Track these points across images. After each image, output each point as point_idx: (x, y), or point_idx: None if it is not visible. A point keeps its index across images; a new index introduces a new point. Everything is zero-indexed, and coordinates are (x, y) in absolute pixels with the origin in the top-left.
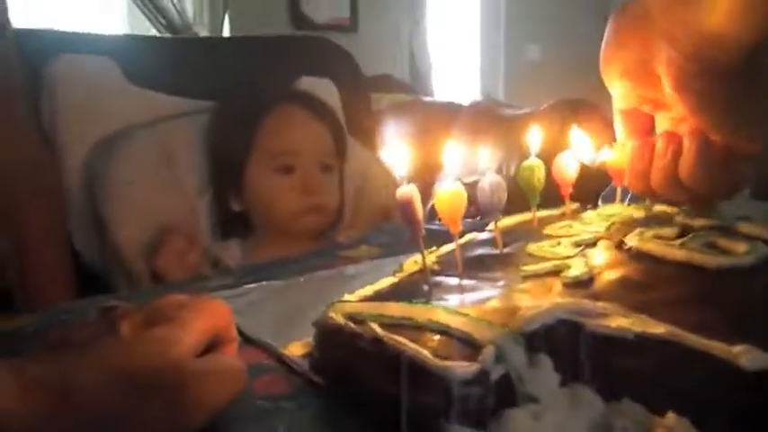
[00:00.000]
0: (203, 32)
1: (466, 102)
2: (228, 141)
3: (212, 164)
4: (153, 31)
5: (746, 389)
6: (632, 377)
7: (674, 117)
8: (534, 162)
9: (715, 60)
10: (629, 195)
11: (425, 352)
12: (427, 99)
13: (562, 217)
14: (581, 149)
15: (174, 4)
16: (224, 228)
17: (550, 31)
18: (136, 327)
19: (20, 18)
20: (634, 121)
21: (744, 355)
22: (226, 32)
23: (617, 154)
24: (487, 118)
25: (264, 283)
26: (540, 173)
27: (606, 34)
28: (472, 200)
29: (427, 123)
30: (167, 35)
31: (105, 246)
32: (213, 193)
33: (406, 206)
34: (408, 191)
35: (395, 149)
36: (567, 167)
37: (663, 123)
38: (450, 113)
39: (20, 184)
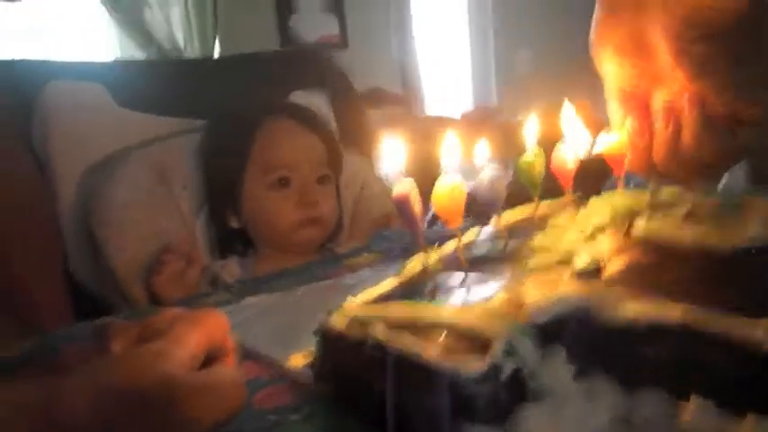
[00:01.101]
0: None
1: (458, 115)
2: (222, 159)
3: (207, 182)
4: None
5: None
6: (651, 364)
7: (671, 92)
8: (533, 154)
9: (712, 22)
10: (632, 184)
11: (433, 352)
12: (419, 113)
13: (565, 207)
14: (576, 142)
15: (163, 31)
16: (222, 245)
17: (540, 37)
18: (128, 343)
19: (11, 49)
20: (630, 100)
21: (766, 334)
22: (216, 55)
23: (618, 135)
24: (482, 127)
25: (263, 296)
26: (539, 164)
27: (596, 12)
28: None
29: (420, 137)
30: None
31: (102, 269)
32: (210, 210)
33: (403, 202)
34: (405, 186)
35: (388, 146)
36: (566, 158)
37: (659, 101)
38: (443, 126)
39: (12, 211)
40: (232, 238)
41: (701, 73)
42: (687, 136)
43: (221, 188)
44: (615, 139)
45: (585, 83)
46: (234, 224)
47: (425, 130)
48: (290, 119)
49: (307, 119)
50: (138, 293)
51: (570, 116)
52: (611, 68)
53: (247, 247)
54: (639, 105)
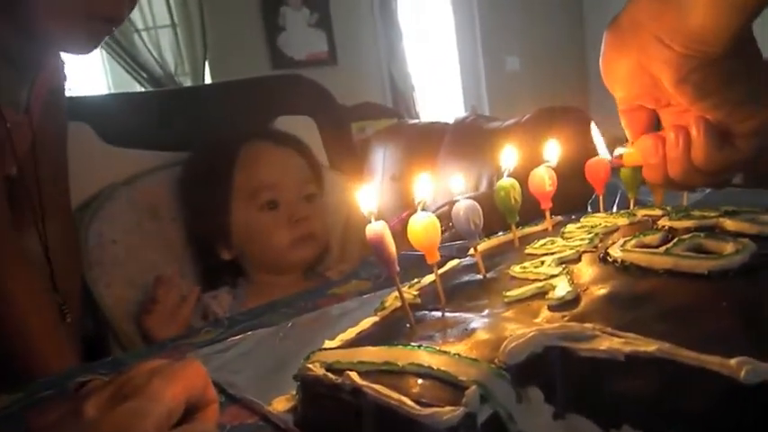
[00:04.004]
0: (186, 82)
1: (451, 120)
2: (207, 190)
3: (193, 215)
4: (136, 86)
5: (747, 403)
6: (629, 401)
7: (677, 110)
8: (509, 181)
9: (706, 54)
10: (616, 202)
11: (408, 400)
12: (412, 122)
13: (544, 233)
14: (600, 147)
15: (153, 57)
16: (213, 276)
17: (527, 42)
18: (102, 404)
19: None
20: (638, 120)
21: (742, 367)
22: (208, 78)
23: (632, 150)
24: (474, 134)
25: (250, 333)
26: (515, 192)
27: (603, 46)
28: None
29: (415, 146)
30: (150, 89)
31: (93, 307)
32: (199, 244)
33: (377, 244)
34: (378, 228)
35: (363, 187)
36: (544, 181)
37: (666, 117)
38: (436, 133)
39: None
40: (222, 270)
41: (699, 96)
42: (697, 152)
43: (209, 220)
44: (629, 152)
45: (571, 86)
46: (225, 256)
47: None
48: (269, 141)
49: (285, 140)
50: (128, 331)
51: (597, 136)
52: (621, 93)
53: (237, 278)
54: (646, 125)
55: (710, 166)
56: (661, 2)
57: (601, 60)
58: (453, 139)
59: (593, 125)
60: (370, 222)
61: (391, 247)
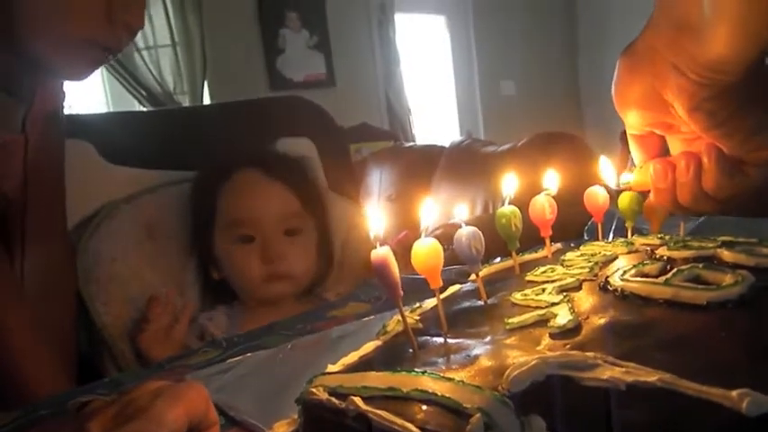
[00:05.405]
0: (185, 101)
1: (447, 143)
2: (197, 212)
3: (192, 233)
4: (135, 103)
5: None
6: (631, 430)
7: (687, 137)
8: (510, 209)
9: (720, 82)
10: (612, 229)
11: (412, 426)
12: (408, 144)
13: (544, 260)
14: (606, 175)
15: (153, 76)
16: (210, 294)
17: (522, 67)
18: (106, 425)
19: None
20: (648, 145)
21: (743, 399)
22: (206, 98)
23: (640, 175)
24: (469, 157)
25: (249, 354)
26: (516, 219)
27: (617, 70)
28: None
29: (411, 169)
30: (149, 107)
31: (89, 326)
32: (197, 261)
33: (382, 269)
34: (382, 253)
35: (370, 210)
36: (544, 209)
37: (675, 144)
38: (432, 156)
39: None
40: (218, 288)
41: (712, 125)
42: (708, 179)
43: (200, 240)
44: (640, 176)
45: (565, 111)
46: (215, 276)
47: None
48: (260, 171)
49: (277, 170)
50: (124, 349)
51: (607, 167)
52: (632, 119)
53: (232, 297)
54: (655, 150)
55: (721, 193)
56: (677, 30)
57: (614, 85)
58: (449, 163)
59: (602, 158)
60: (375, 247)
61: (395, 271)
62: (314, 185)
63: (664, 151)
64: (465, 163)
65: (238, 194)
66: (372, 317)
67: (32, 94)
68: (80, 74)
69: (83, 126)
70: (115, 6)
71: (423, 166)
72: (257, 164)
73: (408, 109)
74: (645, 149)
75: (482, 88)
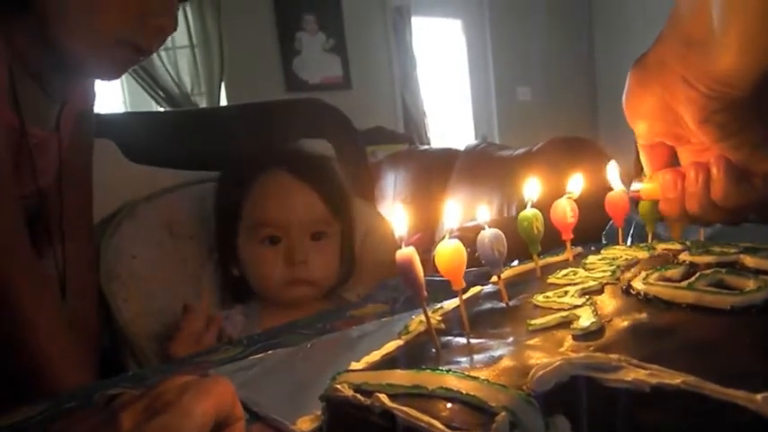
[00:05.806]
0: (202, 102)
1: (462, 147)
2: (221, 210)
3: (215, 232)
4: (152, 104)
5: None
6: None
7: (696, 148)
8: (532, 212)
9: (730, 96)
10: (631, 233)
11: (438, 423)
12: (423, 147)
13: (565, 263)
14: (613, 180)
15: (171, 77)
16: (227, 292)
17: (538, 73)
18: (136, 417)
19: None
20: (658, 155)
21: (766, 401)
22: (223, 100)
23: (650, 184)
24: (485, 161)
25: (271, 352)
26: (538, 222)
27: (628, 82)
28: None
29: (425, 171)
30: (166, 107)
31: (110, 323)
32: (217, 257)
33: (407, 269)
34: (408, 253)
35: (393, 210)
36: (566, 213)
37: (685, 154)
38: (447, 159)
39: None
40: (236, 285)
41: (721, 136)
42: (716, 189)
43: (222, 238)
44: (651, 186)
45: (581, 118)
46: (235, 272)
47: (430, 162)
48: (287, 173)
49: (305, 173)
50: (144, 346)
51: (614, 173)
52: (643, 130)
53: (250, 295)
54: (665, 160)
55: (729, 203)
56: (688, 44)
57: (625, 96)
58: (464, 166)
59: (612, 162)
60: (400, 247)
61: (420, 272)
62: (341, 189)
63: (673, 161)
64: (481, 166)
65: (266, 195)
66: (391, 317)
67: (65, 94)
68: (111, 74)
69: (105, 125)
70: (149, 8)
71: (437, 170)
72: (285, 165)
73: (424, 112)
74: (655, 159)
75: (498, 94)
